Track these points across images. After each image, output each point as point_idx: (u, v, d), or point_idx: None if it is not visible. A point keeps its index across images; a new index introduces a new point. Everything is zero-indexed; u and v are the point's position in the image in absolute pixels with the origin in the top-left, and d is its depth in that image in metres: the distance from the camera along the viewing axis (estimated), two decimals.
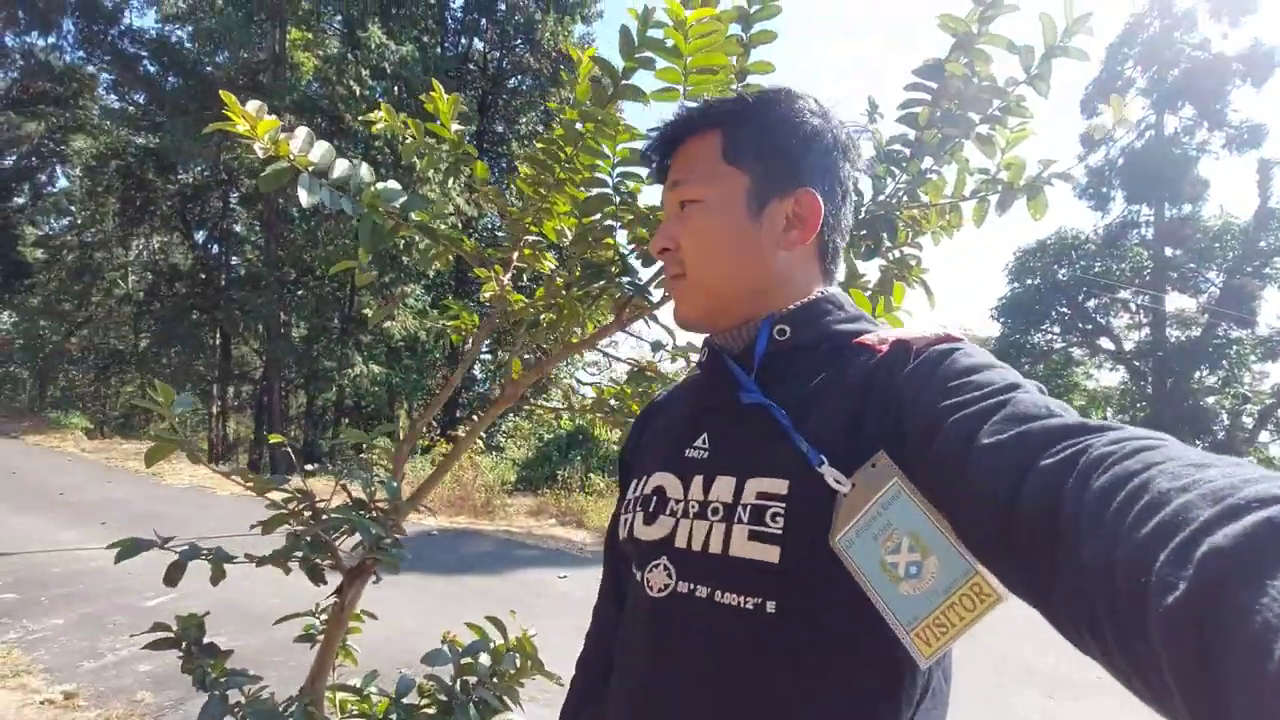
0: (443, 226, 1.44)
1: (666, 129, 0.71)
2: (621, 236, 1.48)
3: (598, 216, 1.43)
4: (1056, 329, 19.20)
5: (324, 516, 1.34)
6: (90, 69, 18.11)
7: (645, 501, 0.67)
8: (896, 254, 1.44)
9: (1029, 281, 19.06)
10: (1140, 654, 0.31)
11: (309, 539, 1.33)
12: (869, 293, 1.39)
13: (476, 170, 1.52)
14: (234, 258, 19.62)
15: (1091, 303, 18.72)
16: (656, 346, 1.77)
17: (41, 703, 2.76)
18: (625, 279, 1.50)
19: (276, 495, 1.34)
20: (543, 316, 1.77)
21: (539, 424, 12.95)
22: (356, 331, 16.83)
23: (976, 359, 0.54)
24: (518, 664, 1.57)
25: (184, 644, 1.36)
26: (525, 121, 18.44)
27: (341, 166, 1.15)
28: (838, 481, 0.55)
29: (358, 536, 1.33)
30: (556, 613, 5.06)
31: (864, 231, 1.35)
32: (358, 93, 14.68)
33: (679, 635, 0.60)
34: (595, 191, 1.42)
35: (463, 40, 19.23)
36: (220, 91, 1.17)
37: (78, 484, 7.76)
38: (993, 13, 1.15)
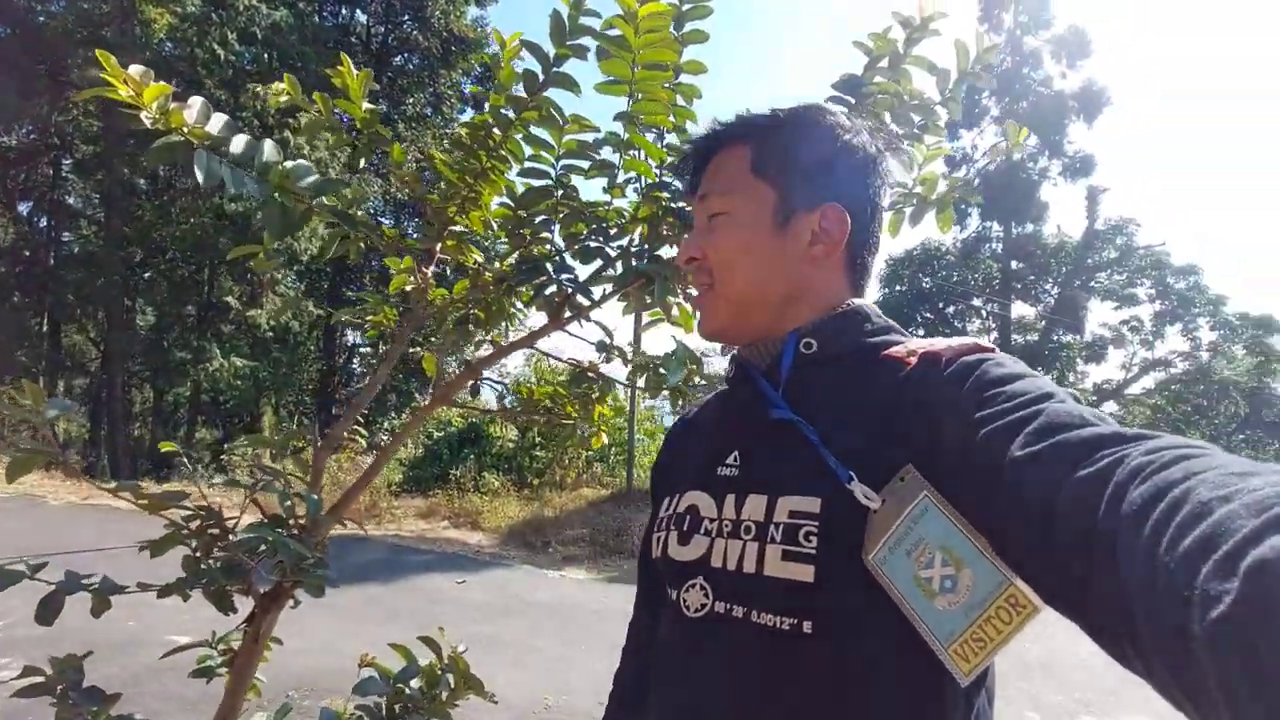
0: (359, 213, 1.32)
1: (700, 142, 0.72)
2: (556, 231, 1.43)
3: (526, 212, 1.36)
4: (922, 332, 20.93)
5: (234, 536, 1.18)
6: None
7: (679, 520, 0.66)
8: None
9: (898, 288, 20.67)
10: (1185, 668, 0.31)
11: (219, 563, 1.17)
12: None
13: (393, 153, 1.40)
14: (66, 234, 17.25)
15: (950, 309, 20.61)
16: (602, 347, 1.73)
17: None
18: (564, 276, 1.45)
19: (176, 514, 1.17)
20: (473, 313, 1.68)
21: (427, 421, 12.42)
22: (216, 320, 15.30)
23: (1008, 369, 0.54)
24: (452, 685, 1.47)
25: (60, 689, 1.14)
26: (413, 103, 17.57)
27: (242, 142, 1.02)
28: (867, 498, 0.54)
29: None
30: (459, 620, 4.85)
31: None
32: (222, 57, 13.34)
33: (718, 656, 0.60)
34: (536, 184, 1.35)
35: (344, 10, 18.00)
36: (97, 51, 1.00)
37: None
38: (918, 35, 1.21)
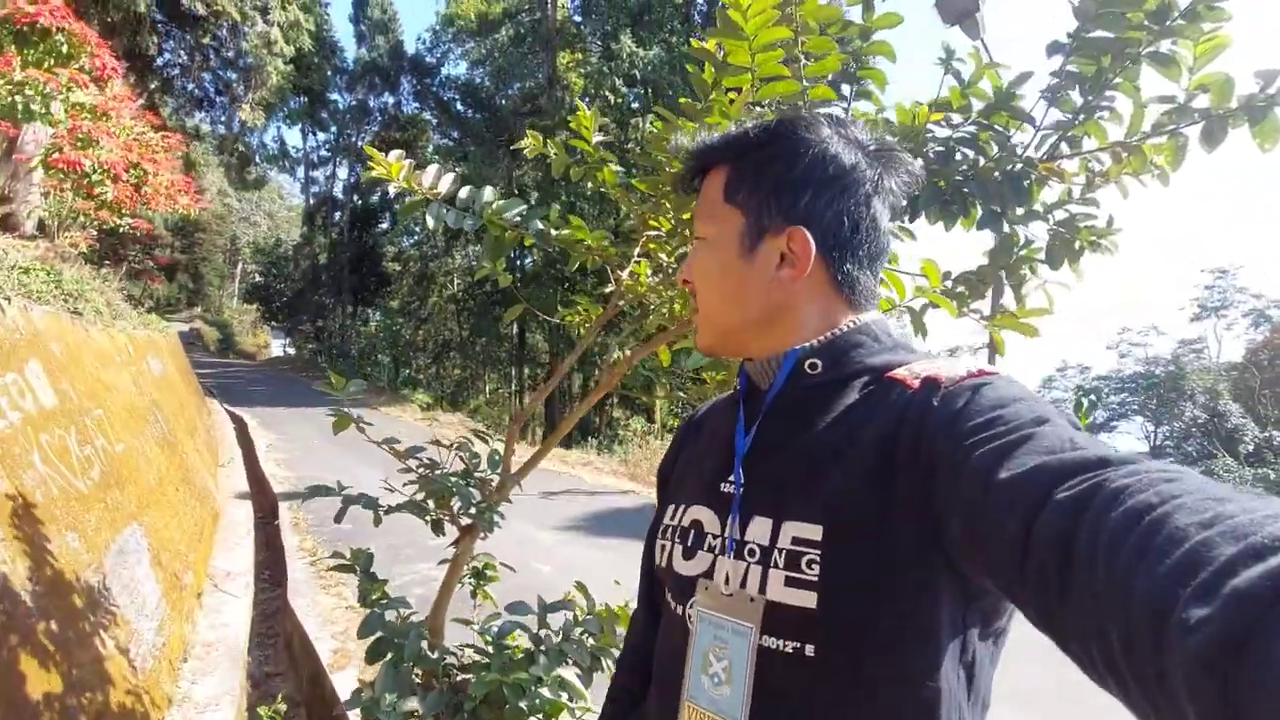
0: (563, 233, 1.62)
1: (690, 163, 0.73)
2: None
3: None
4: None
5: (436, 482, 1.67)
6: (426, 116, 22.60)
7: (684, 534, 0.68)
8: (1062, 214, 1.26)
9: None
10: (1159, 692, 0.31)
11: (421, 498, 1.67)
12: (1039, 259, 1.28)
13: (604, 175, 1.70)
14: (526, 259, 22.88)
15: None
16: None
17: (348, 607, 3.73)
18: None
19: (412, 462, 1.71)
20: (653, 306, 1.89)
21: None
22: (617, 321, 18.42)
23: (1004, 393, 0.53)
24: (601, 630, 1.71)
25: (357, 570, 1.81)
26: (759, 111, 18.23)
27: (465, 192, 1.33)
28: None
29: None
30: None
31: (975, 197, 1.20)
32: (613, 102, 16.00)
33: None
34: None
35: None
36: (364, 146, 1.52)
37: (407, 444, 9.91)
38: None
